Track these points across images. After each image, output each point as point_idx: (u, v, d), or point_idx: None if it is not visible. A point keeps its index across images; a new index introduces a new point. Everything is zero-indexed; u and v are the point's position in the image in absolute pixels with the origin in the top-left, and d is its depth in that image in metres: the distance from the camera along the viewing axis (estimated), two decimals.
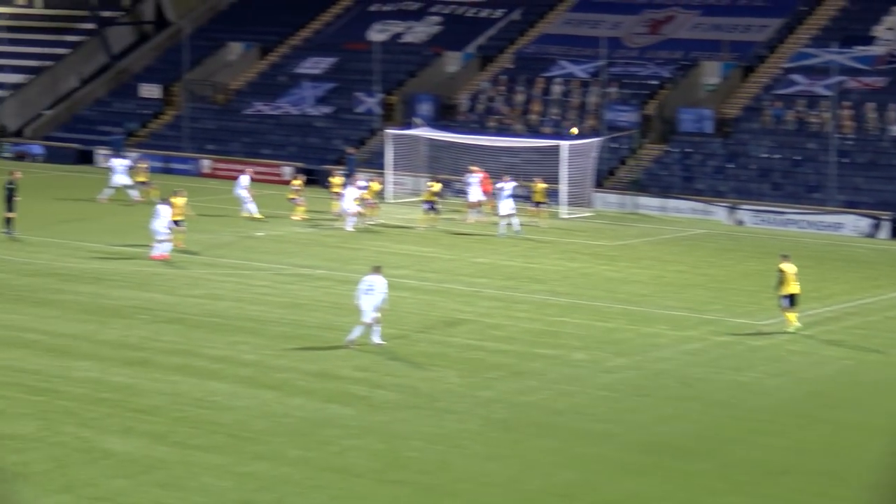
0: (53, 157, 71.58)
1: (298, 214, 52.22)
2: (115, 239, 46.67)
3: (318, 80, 72.58)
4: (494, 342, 32.73)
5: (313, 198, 55.07)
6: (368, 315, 31.02)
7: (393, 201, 58.22)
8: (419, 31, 74.34)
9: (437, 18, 74.90)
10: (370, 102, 68.83)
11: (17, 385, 27.58)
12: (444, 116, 67.14)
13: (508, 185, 50.37)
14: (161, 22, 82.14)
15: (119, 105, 76.34)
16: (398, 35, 74.38)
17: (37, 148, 72.91)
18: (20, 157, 71.98)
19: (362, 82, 70.14)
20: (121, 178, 55.58)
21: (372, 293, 31.03)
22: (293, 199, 52.49)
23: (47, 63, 79.63)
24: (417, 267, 42.88)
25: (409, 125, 63.53)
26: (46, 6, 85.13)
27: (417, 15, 75.43)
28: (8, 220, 46.18)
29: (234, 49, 77.39)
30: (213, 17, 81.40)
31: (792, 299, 33.99)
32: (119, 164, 56.21)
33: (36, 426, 24.77)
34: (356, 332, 31.22)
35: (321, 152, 67.56)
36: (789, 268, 33.89)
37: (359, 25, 75.85)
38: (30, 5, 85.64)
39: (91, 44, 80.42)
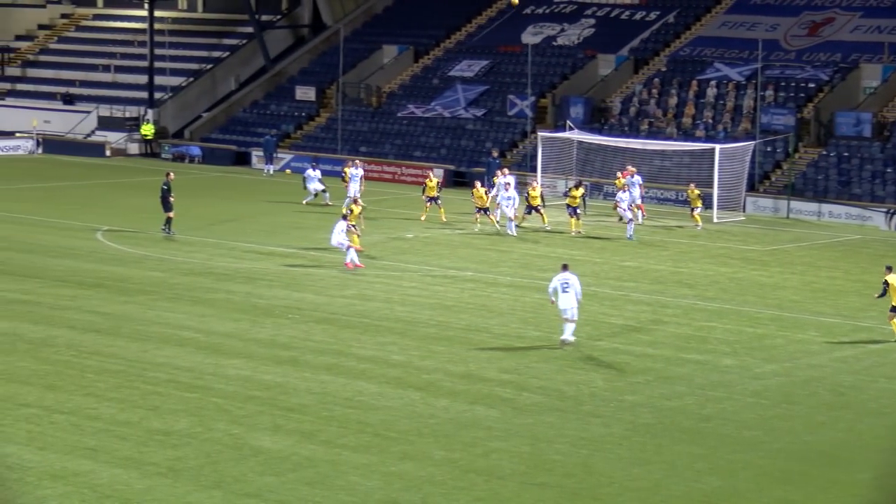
0: (211, 158, 73.03)
1: (435, 215, 51.91)
2: (268, 239, 47.44)
3: (470, 82, 72.89)
4: (641, 346, 32.55)
5: (463, 200, 55.28)
6: (571, 312, 31.40)
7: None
8: (572, 34, 74.18)
9: (590, 21, 74.66)
10: (522, 105, 68.89)
11: (171, 382, 28.24)
12: (596, 119, 66.91)
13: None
14: (317, 25, 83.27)
15: (275, 107, 77.60)
16: (551, 38, 74.32)
17: (195, 149, 74.45)
18: (179, 158, 73.59)
19: (515, 85, 70.28)
20: (315, 185, 56.16)
21: (569, 290, 31.36)
22: (434, 198, 52.20)
23: (206, 66, 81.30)
24: None
25: (560, 128, 63.43)
26: (207, 10, 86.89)
27: (571, 17, 75.28)
28: (168, 220, 47.25)
29: (389, 52, 78.12)
30: (368, 21, 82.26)
31: None
32: (312, 173, 56.71)
33: (189, 422, 25.35)
34: (568, 331, 31.53)
35: (472, 155, 67.82)
36: (894, 279, 33.32)
37: (512, 28, 75.98)
38: (192, 10, 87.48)
39: (249, 47, 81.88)
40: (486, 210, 50.59)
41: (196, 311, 35.26)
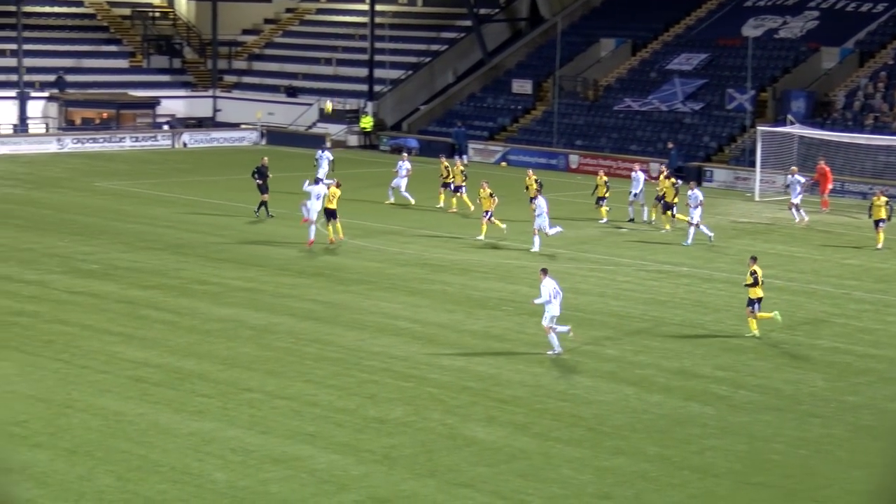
0: (428, 150, 73.75)
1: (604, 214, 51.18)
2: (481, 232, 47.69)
3: (688, 76, 72.04)
4: (863, 346, 31.76)
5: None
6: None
7: (759, 200, 57.28)
8: (795, 26, 72.64)
9: (814, 13, 72.98)
10: (741, 99, 67.77)
11: (387, 371, 28.67)
12: (818, 114, 65.41)
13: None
14: (535, 19, 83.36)
15: (491, 100, 77.99)
16: (773, 30, 72.89)
17: (412, 141, 75.30)
18: (397, 150, 74.51)
19: (734, 79, 69.19)
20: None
21: (558, 297, 30.15)
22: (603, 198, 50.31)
23: (425, 59, 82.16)
24: (785, 267, 42.00)
25: (781, 122, 62.23)
26: (426, 4, 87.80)
27: (794, 10, 73.72)
28: (262, 203, 48.71)
29: (606, 45, 77.74)
30: (586, 14, 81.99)
31: None
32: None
33: (404, 411, 25.70)
34: (562, 327, 30.61)
35: (690, 149, 67.05)
36: None
37: (733, 21, 74.77)
38: (411, 4, 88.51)
39: (467, 40, 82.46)
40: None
41: (411, 302, 35.71)
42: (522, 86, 77.36)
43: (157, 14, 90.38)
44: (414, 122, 78.89)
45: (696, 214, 45.63)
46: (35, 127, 76.04)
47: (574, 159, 69.01)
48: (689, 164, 64.44)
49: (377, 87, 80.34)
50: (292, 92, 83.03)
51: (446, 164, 52.72)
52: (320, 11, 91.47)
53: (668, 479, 22.28)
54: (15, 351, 29.37)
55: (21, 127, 75.28)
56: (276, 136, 78.11)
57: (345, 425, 24.69)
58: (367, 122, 78.34)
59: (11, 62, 76.72)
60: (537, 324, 33.27)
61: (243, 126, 79.96)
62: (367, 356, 29.85)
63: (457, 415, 25.57)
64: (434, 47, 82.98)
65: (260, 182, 49.39)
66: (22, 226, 46.27)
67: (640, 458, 23.31)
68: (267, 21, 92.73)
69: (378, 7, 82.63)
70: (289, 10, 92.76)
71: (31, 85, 76.99)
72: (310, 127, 79.92)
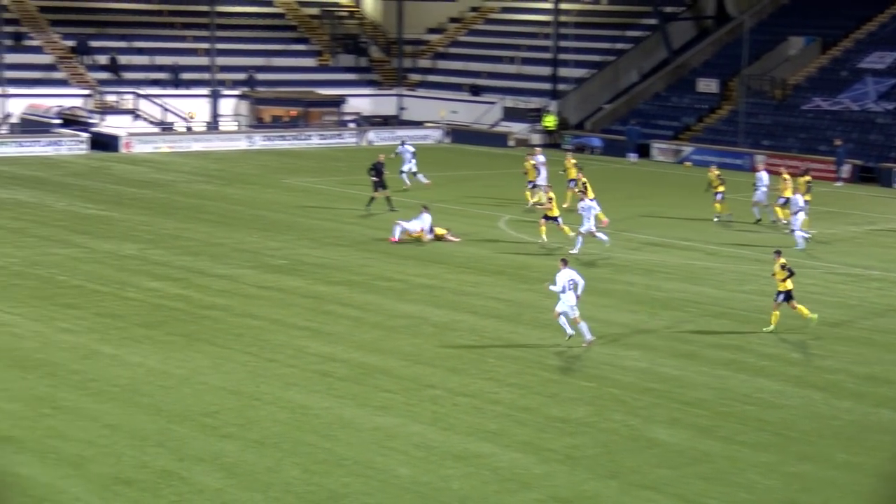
0: (611, 149, 73.41)
1: (719, 210, 49.96)
2: (667, 231, 47.28)
3: (881, 75, 70.33)
4: None
5: (872, 197, 53.45)
6: (574, 310, 30.25)
7: None
8: None
9: None
10: None
11: (569, 370, 28.63)
12: None
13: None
14: (722, 17, 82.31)
15: (676, 99, 77.26)
16: None
17: (596, 140, 75.02)
18: (580, 149, 74.30)
19: None
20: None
21: (572, 288, 30.03)
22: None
23: (609, 58, 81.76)
24: None
25: None
26: (612, 2, 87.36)
27: None
28: (387, 199, 49.33)
29: (795, 43, 76.35)
30: (775, 12, 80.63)
31: None
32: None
33: (586, 411, 25.62)
34: (586, 330, 30.37)
35: (881, 150, 65.44)
36: None
37: None
38: (596, 2, 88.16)
39: (652, 39, 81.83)
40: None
41: (595, 301, 35.50)
42: (708, 84, 76.45)
43: (345, 13, 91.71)
44: (597, 121, 78.55)
45: (797, 221, 44.33)
46: (226, 124, 77.85)
47: (760, 159, 67.88)
48: (880, 164, 62.89)
49: (561, 86, 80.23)
50: (476, 90, 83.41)
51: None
52: (505, 10, 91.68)
53: (857, 487, 21.80)
54: (206, 343, 30.09)
55: (213, 124, 77.13)
56: (459, 134, 78.57)
57: (527, 424, 24.72)
58: (550, 121, 78.30)
59: (205, 61, 78.63)
60: (722, 326, 32.93)
61: (427, 124, 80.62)
62: (549, 355, 29.83)
63: (639, 416, 25.40)
64: (619, 45, 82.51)
65: (376, 179, 49.94)
66: (213, 221, 47.38)
67: (828, 464, 22.86)
68: (452, 20, 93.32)
69: (563, 5, 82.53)
70: (473, 9, 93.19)
71: (223, 83, 78.82)
72: (493, 125, 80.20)
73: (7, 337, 30.18)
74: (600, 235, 42.32)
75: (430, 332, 31.64)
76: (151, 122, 75.57)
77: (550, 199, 43.87)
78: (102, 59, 78.93)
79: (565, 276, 30.09)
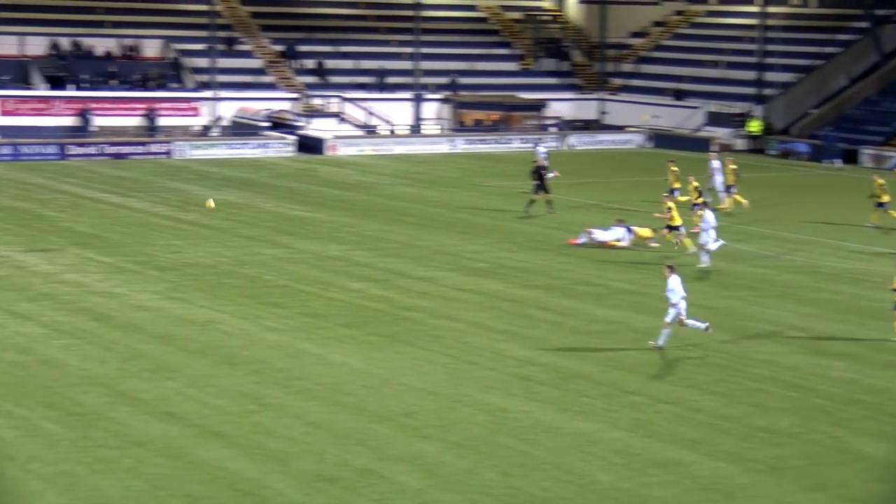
0: (818, 155, 71.84)
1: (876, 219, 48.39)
2: (875, 240, 46.08)
3: None
4: None
5: None
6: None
7: None
8: None
9: None
10: None
11: (774, 379, 28.04)
12: None
13: None
14: None
15: (888, 104, 75.18)
16: None
17: (802, 146, 73.53)
18: (785, 154, 72.97)
19: None
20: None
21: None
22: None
23: (818, 62, 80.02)
24: None
25: None
26: (821, 5, 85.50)
27: None
28: (548, 201, 49.70)
29: None
30: None
31: None
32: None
33: (791, 422, 25.08)
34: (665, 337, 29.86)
35: None
36: None
37: None
38: (804, 5, 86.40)
39: (863, 42, 79.80)
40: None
41: (800, 310, 34.85)
42: None
43: (548, 17, 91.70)
44: (804, 127, 76.96)
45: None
46: (428, 128, 78.57)
47: None
48: None
49: (766, 91, 78.83)
50: (679, 95, 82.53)
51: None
52: (710, 13, 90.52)
53: None
54: (407, 345, 30.36)
55: (416, 128, 77.93)
56: (662, 139, 77.81)
57: (730, 433, 24.30)
58: (754, 126, 77.00)
59: (408, 65, 79.49)
60: None
61: (629, 129, 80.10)
62: (754, 364, 29.29)
63: (846, 428, 24.75)
64: (827, 49, 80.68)
65: (538, 182, 50.19)
66: (414, 223, 47.82)
67: None
68: (655, 24, 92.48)
69: (770, 8, 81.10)
70: (678, 13, 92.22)
71: (425, 87, 79.55)
72: (696, 130, 79.24)
73: (216, 334, 30.93)
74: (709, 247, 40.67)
75: (631, 338, 31.35)
76: (356, 126, 76.72)
77: (670, 208, 42.93)
78: (310, 64, 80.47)
79: (676, 282, 29.93)
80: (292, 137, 71.09)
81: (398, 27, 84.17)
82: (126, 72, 75.48)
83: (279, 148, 70.15)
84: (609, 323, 32.90)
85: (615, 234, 43.74)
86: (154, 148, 68.09)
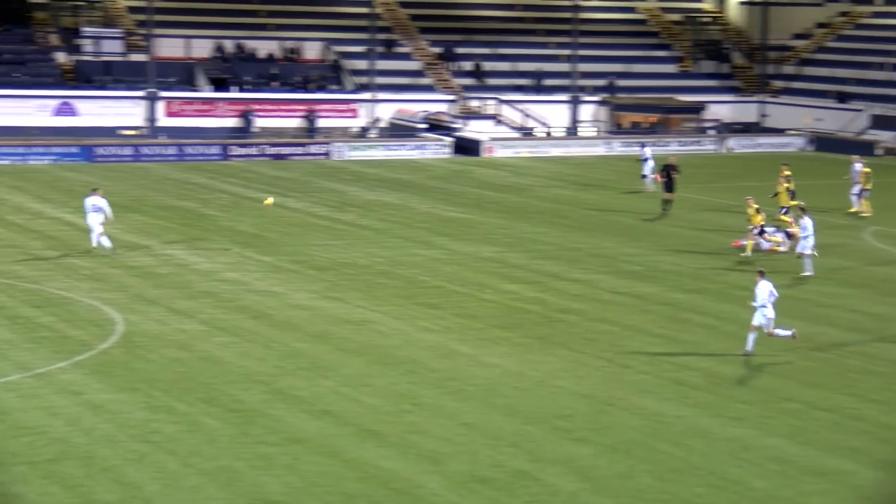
0: None
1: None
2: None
3: None
4: None
5: None
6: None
7: None
8: None
9: None
10: None
11: None
12: None
13: None
14: None
15: None
16: None
17: None
18: None
19: None
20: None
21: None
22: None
23: None
24: None
25: None
26: None
27: None
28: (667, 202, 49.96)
29: None
30: None
31: None
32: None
33: None
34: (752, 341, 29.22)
35: None
36: None
37: None
38: None
39: None
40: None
41: None
42: None
43: (708, 19, 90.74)
44: None
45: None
46: (585, 130, 78.31)
47: None
48: None
49: None
50: (842, 97, 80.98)
51: None
52: (875, 14, 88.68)
53: None
54: (561, 347, 30.33)
55: (572, 130, 77.75)
56: (824, 142, 76.45)
57: (891, 442, 23.80)
58: None
59: (566, 67, 79.34)
60: None
61: (790, 132, 78.85)
62: None
63: None
64: None
65: (667, 181, 50.56)
66: (569, 226, 47.73)
67: None
68: (819, 25, 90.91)
69: None
70: (842, 14, 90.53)
71: (583, 89, 79.32)
72: (860, 133, 77.69)
73: (371, 334, 31.26)
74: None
75: (787, 345, 30.86)
76: (512, 128, 76.83)
77: (758, 209, 42.36)
78: (467, 66, 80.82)
79: (765, 288, 29.39)
80: (449, 139, 71.48)
81: (556, 29, 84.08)
82: (287, 74, 76.71)
83: (436, 149, 70.59)
84: None
85: (775, 241, 43.09)
86: (313, 149, 69.09)
